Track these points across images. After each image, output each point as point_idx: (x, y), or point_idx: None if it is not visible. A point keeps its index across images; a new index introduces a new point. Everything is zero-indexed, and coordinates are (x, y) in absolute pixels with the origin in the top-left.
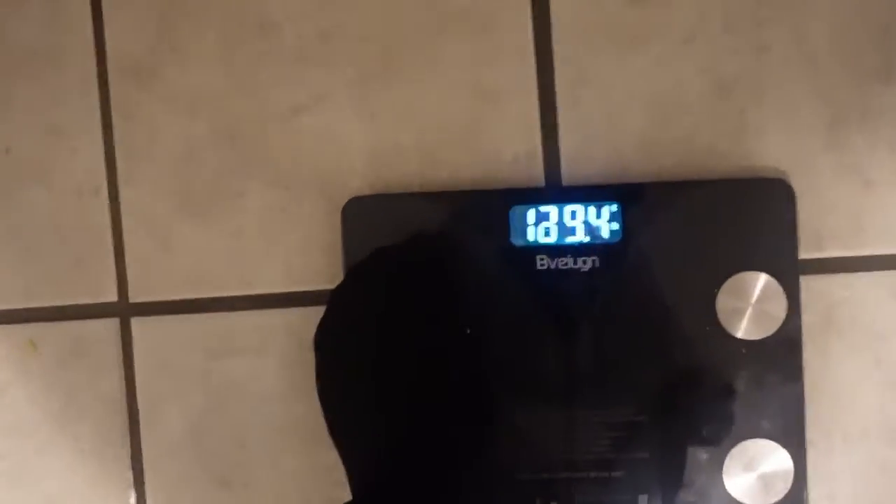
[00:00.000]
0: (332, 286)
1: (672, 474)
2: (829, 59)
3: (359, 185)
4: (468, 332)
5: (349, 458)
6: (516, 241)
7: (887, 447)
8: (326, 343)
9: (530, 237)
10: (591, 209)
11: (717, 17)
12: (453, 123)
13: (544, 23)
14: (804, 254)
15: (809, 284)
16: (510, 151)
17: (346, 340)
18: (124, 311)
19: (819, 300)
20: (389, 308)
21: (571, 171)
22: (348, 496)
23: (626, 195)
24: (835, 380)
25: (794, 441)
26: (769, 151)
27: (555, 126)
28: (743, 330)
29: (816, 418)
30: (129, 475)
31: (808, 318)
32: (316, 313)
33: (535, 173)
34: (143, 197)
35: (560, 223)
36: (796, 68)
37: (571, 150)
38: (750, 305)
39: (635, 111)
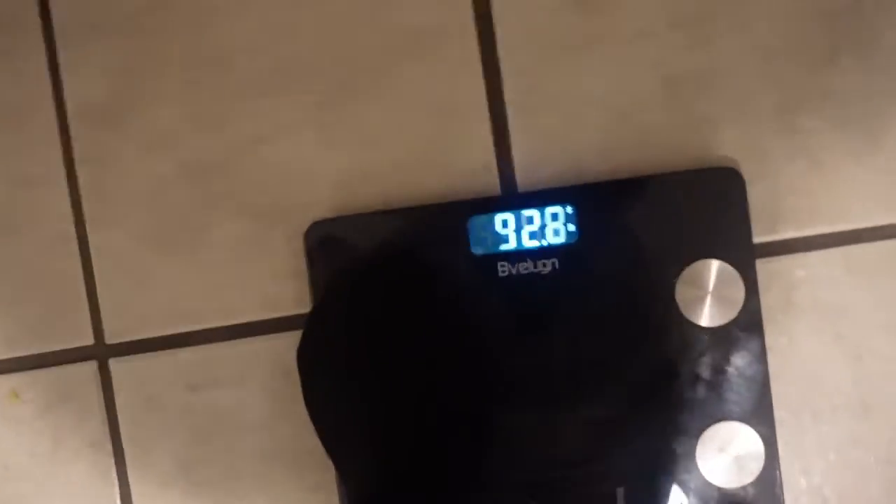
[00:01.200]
0: (305, 310)
1: (648, 465)
2: (775, 45)
3: (324, 210)
4: (443, 341)
5: (343, 470)
6: (476, 251)
7: (856, 420)
8: (308, 362)
9: (489, 245)
10: (547, 212)
11: (661, 14)
12: (412, 142)
13: (489, 35)
14: (759, 238)
15: (766, 267)
16: (467, 165)
17: (325, 358)
18: (101, 353)
19: (777, 282)
20: (364, 323)
21: (527, 178)
22: None
23: (580, 196)
24: (799, 358)
25: (764, 422)
26: (721, 141)
27: (506, 136)
28: (704, 317)
29: (784, 398)
30: None
31: (767, 301)
32: (293, 337)
33: (491, 184)
34: (112, 239)
35: (517, 229)
36: (743, 57)
37: (525, 158)
38: (708, 293)
39: (587, 114)
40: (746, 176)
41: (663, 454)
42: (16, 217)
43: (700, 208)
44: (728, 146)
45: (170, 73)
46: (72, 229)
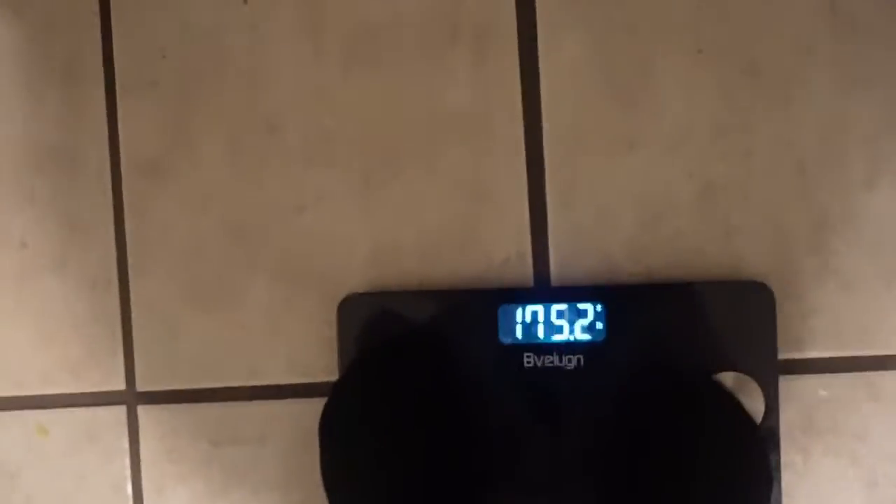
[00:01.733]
0: (331, 379)
1: None
2: (815, 165)
3: (358, 281)
4: (462, 425)
5: None
6: (504, 340)
7: None
8: (329, 431)
9: (518, 335)
10: (577, 309)
11: (706, 122)
12: (450, 224)
13: (536, 126)
14: (784, 354)
15: (789, 384)
16: (502, 252)
17: (348, 429)
18: (131, 399)
19: (798, 400)
20: (390, 399)
21: (560, 271)
22: None
23: (611, 296)
24: (813, 478)
25: None
26: (754, 254)
27: (545, 228)
28: None
29: None
30: None
31: (787, 417)
32: (316, 405)
33: (525, 274)
34: (152, 289)
35: (546, 322)
36: (782, 173)
37: (561, 251)
38: None
39: (624, 214)
40: (776, 292)
41: None
42: (62, 257)
43: (728, 320)
44: (760, 260)
45: (220, 134)
46: (114, 275)
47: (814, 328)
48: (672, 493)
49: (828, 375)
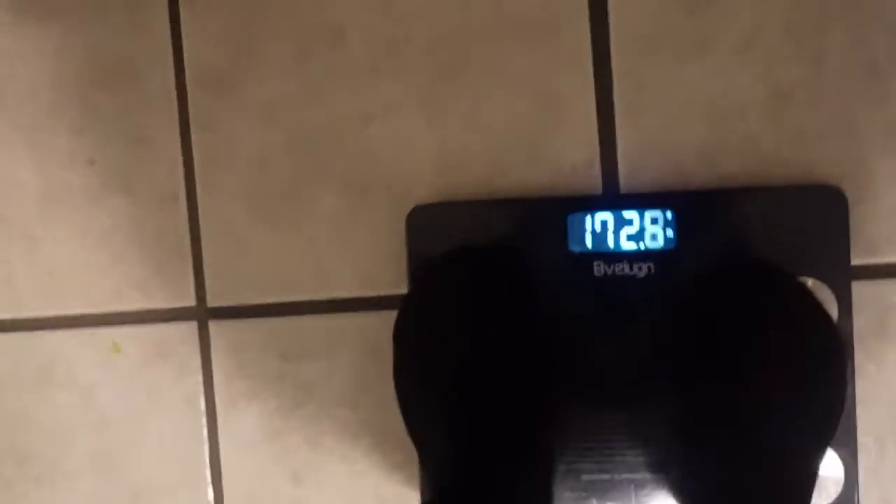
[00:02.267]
0: (400, 291)
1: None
2: (888, 65)
3: (427, 191)
4: (534, 334)
5: (424, 453)
6: (574, 248)
7: None
8: (404, 337)
9: (587, 244)
10: (647, 216)
11: (776, 24)
12: (517, 131)
13: (603, 32)
14: (857, 259)
15: (862, 290)
16: (570, 159)
17: (423, 336)
18: (202, 315)
19: (871, 305)
20: (463, 307)
21: (629, 179)
22: (417, 494)
23: (680, 203)
24: (887, 385)
25: (846, 445)
26: (826, 158)
27: (613, 134)
28: None
29: (869, 423)
30: (208, 472)
31: (860, 323)
32: (385, 317)
33: (593, 181)
34: (220, 204)
35: (616, 230)
36: (854, 75)
37: (629, 158)
38: None
39: (693, 119)
40: (849, 196)
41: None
42: (128, 174)
43: (800, 225)
44: (832, 164)
45: (285, 46)
46: (182, 191)
47: (888, 232)
48: (749, 390)
49: None
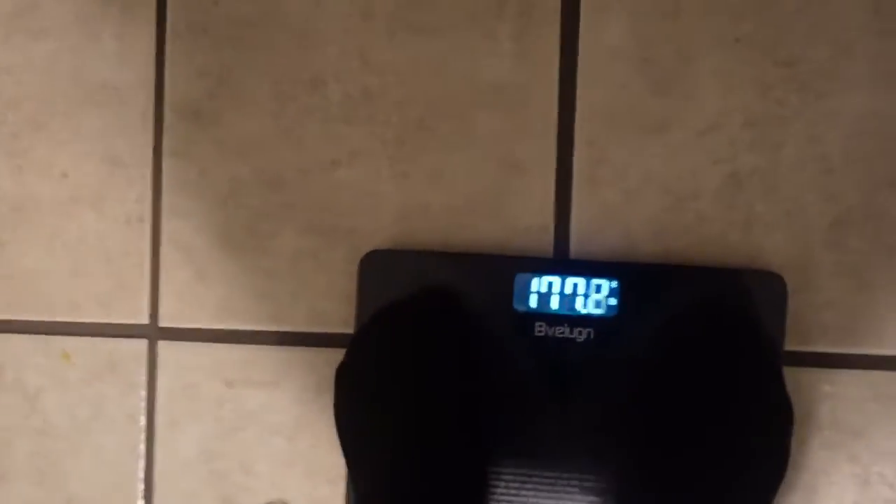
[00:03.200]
0: (348, 331)
1: None
2: (840, 162)
3: (385, 238)
4: (472, 384)
5: (360, 488)
6: (518, 307)
7: None
8: (346, 379)
9: (531, 304)
10: (592, 283)
11: (738, 112)
12: (477, 190)
13: (570, 104)
14: (791, 346)
15: (793, 376)
16: (525, 222)
17: (365, 379)
18: (153, 333)
19: (801, 393)
20: (404, 353)
21: (580, 245)
22: None
23: (626, 273)
24: (808, 471)
25: None
26: (772, 245)
27: (569, 202)
28: None
29: None
30: (141, 487)
31: None
32: (331, 354)
33: (545, 245)
34: (183, 229)
35: (561, 293)
36: (808, 169)
37: (582, 225)
38: None
39: (648, 194)
40: (790, 283)
41: None
42: (99, 192)
43: (740, 308)
44: (778, 252)
45: (264, 85)
46: (148, 214)
47: (823, 323)
48: (688, 456)
49: (833, 371)
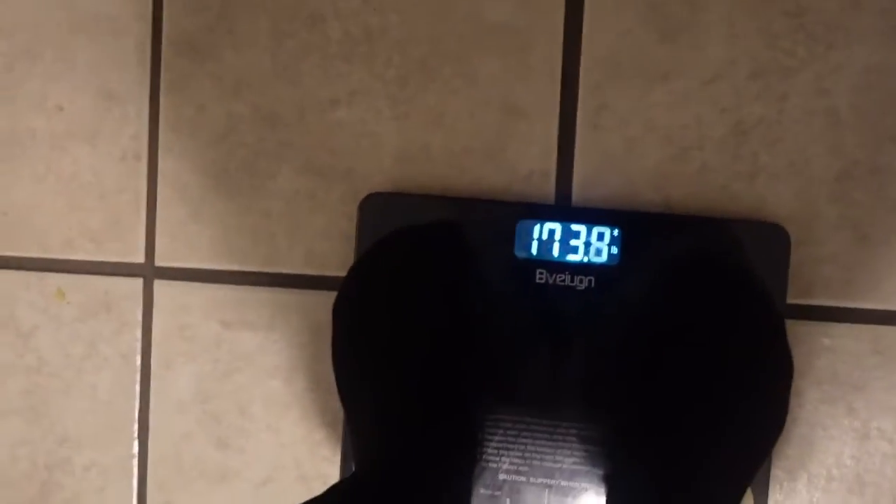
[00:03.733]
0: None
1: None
2: (847, 115)
3: (383, 180)
4: (469, 328)
5: (355, 428)
6: (519, 254)
7: (849, 493)
8: (344, 313)
9: (533, 251)
10: (594, 231)
11: (745, 61)
12: (479, 134)
13: (574, 49)
14: (793, 299)
15: (794, 329)
16: (527, 167)
17: (362, 312)
18: (149, 272)
19: (802, 345)
20: (404, 287)
21: (582, 192)
22: (336, 473)
23: (628, 222)
24: (807, 423)
25: (759, 478)
26: (775, 197)
27: (572, 148)
28: None
29: (784, 458)
30: (136, 427)
31: None
32: (328, 297)
33: (547, 191)
34: (180, 167)
35: (562, 241)
36: (813, 120)
37: (585, 172)
38: None
39: (652, 143)
40: (793, 237)
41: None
42: (94, 127)
43: (742, 259)
44: (781, 203)
45: (263, 21)
46: (144, 151)
47: (826, 276)
48: (687, 405)
49: (833, 324)
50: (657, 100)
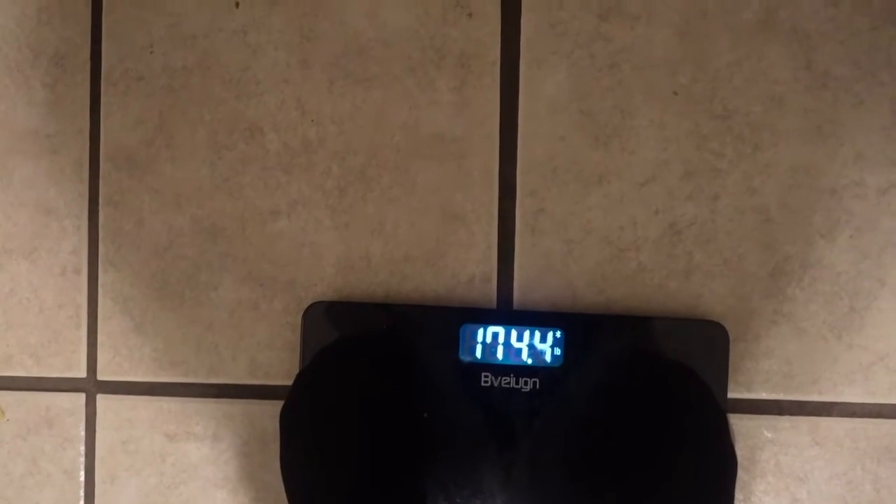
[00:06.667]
0: (290, 383)
1: None
2: (777, 212)
3: (326, 289)
4: (418, 433)
5: None
6: (464, 358)
7: None
8: (292, 421)
9: (477, 355)
10: (537, 333)
11: (676, 163)
12: (419, 240)
13: (511, 155)
14: (733, 393)
15: (736, 423)
16: (468, 273)
17: (310, 420)
18: (91, 387)
19: (744, 439)
20: (351, 393)
21: (524, 296)
22: None
23: (570, 323)
24: None
25: None
26: (712, 294)
27: (511, 253)
28: None
29: None
30: None
31: None
32: (273, 407)
33: (489, 295)
34: (121, 281)
35: (506, 343)
36: (745, 218)
37: (525, 276)
38: None
39: (590, 245)
40: (731, 332)
41: None
42: (33, 242)
43: (683, 357)
44: (717, 300)
45: (202, 134)
46: (84, 265)
47: (765, 370)
48: (638, 492)
49: (774, 417)
50: (593, 203)
